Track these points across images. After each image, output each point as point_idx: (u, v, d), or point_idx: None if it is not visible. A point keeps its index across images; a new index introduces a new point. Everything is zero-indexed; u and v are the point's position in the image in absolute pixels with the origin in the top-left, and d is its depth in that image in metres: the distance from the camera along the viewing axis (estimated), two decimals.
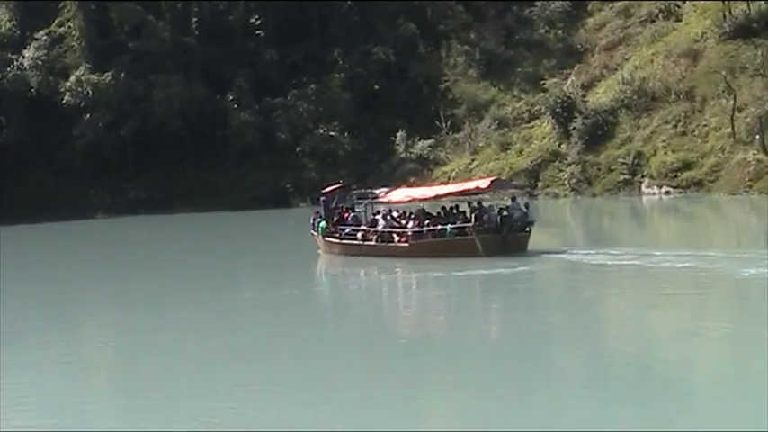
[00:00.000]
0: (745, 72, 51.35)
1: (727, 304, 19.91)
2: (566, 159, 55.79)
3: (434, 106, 65.50)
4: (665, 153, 51.36)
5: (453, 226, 29.11)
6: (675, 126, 52.11)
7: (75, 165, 69.08)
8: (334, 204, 33.64)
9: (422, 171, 61.62)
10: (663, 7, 60.27)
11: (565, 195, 54.70)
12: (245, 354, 17.40)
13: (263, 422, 12.62)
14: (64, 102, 69.49)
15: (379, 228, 31.16)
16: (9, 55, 72.20)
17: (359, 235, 31.71)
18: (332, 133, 66.57)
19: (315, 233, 33.57)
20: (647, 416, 11.66)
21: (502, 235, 28.54)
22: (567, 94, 57.12)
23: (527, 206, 30.39)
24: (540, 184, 56.19)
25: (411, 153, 63.61)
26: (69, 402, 14.64)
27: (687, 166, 50.18)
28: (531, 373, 14.48)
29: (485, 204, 30.54)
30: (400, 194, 33.53)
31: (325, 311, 23.42)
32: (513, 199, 30.69)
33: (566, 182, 55.09)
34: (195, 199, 65.20)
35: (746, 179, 47.00)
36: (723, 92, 50.83)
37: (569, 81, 59.92)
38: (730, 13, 54.19)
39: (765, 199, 42.97)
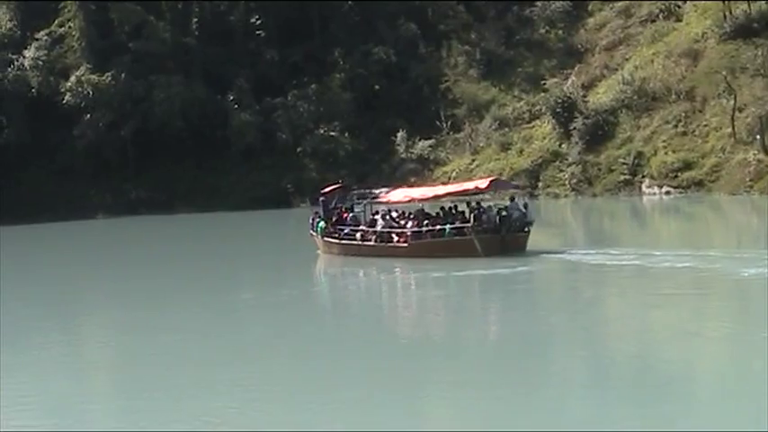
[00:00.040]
0: (746, 72, 51.36)
1: (727, 304, 19.89)
2: (566, 159, 55.80)
3: (435, 106, 65.53)
4: (666, 153, 51.37)
5: (452, 226, 29.11)
6: (676, 126, 52.12)
7: (75, 165, 69.09)
8: (333, 204, 33.63)
9: (422, 171, 61.65)
10: (663, 7, 60.29)
11: (565, 195, 54.71)
12: (245, 354, 17.40)
13: (263, 422, 12.62)
14: (64, 102, 69.52)
15: (378, 228, 31.15)
16: (10, 55, 72.22)
17: (358, 235, 31.70)
18: (332, 133, 66.59)
19: (314, 233, 33.57)
20: (648, 416, 11.66)
21: (500, 235, 28.54)
22: (568, 94, 57.14)
23: (526, 206, 30.36)
24: (540, 184, 56.21)
25: (412, 153, 63.63)
26: (69, 402, 14.64)
27: (687, 166, 50.19)
28: (532, 373, 14.47)
29: (485, 204, 30.53)
30: (399, 195, 33.52)
31: (325, 312, 23.41)
32: (512, 199, 30.65)
33: (566, 182, 55.11)
34: (196, 199, 65.22)
35: (747, 179, 47.00)
36: (723, 92, 50.84)
37: (570, 81, 59.94)
38: (731, 13, 54.19)
39: (766, 199, 42.97)
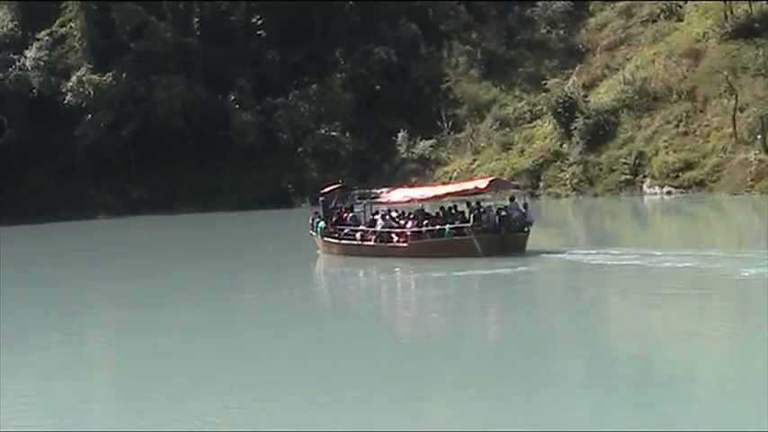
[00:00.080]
0: (747, 72, 51.37)
1: (728, 304, 19.87)
2: (567, 159, 55.80)
3: (436, 106, 65.52)
4: (667, 153, 51.35)
5: (452, 226, 29.10)
6: (677, 126, 52.11)
7: (76, 165, 69.13)
8: (332, 204, 33.62)
9: (423, 171, 61.65)
10: (664, 7, 60.30)
11: (566, 195, 54.70)
12: (246, 354, 17.40)
13: (263, 422, 12.62)
14: (65, 102, 69.56)
15: (378, 228, 31.14)
16: (11, 55, 72.29)
17: (358, 235, 31.68)
18: (333, 133, 66.60)
19: (314, 233, 33.56)
20: (648, 416, 11.65)
21: (500, 235, 28.52)
22: (569, 94, 57.13)
23: (525, 206, 30.30)
24: (541, 184, 56.21)
25: (412, 153, 63.64)
26: (70, 402, 14.65)
27: (689, 166, 50.17)
28: (532, 373, 14.46)
29: (484, 204, 30.51)
30: (399, 195, 33.53)
31: (325, 312, 23.41)
32: (512, 199, 30.61)
33: (567, 182, 55.10)
34: (197, 199, 65.24)
35: (748, 179, 46.98)
36: (725, 92, 50.83)
37: (571, 81, 59.94)
38: (732, 12, 54.18)
39: (767, 199, 42.95)
